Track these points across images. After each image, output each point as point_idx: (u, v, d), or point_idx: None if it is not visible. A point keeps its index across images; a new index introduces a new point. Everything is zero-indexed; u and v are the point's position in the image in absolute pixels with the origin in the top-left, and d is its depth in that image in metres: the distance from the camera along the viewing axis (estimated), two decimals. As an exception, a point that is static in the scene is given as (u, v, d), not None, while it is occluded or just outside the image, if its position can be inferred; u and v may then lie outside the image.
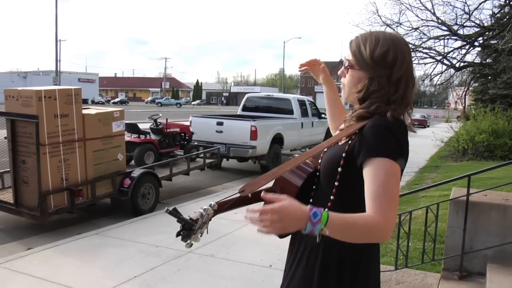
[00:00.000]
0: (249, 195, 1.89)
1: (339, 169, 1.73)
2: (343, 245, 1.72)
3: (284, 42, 75.71)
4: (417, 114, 49.86)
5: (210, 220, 1.82)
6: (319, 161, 1.90)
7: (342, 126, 1.93)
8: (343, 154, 1.73)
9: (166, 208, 1.77)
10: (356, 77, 1.78)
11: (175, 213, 1.74)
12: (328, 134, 16.96)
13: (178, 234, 1.75)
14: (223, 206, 1.87)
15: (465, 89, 22.50)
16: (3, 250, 5.83)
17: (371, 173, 1.60)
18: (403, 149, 1.66)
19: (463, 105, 26.72)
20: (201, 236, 1.81)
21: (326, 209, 1.52)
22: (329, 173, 1.78)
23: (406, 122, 1.75)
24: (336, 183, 1.75)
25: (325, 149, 1.88)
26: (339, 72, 1.90)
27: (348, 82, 1.82)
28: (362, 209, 1.62)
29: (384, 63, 1.73)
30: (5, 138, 6.49)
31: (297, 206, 1.49)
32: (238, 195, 1.84)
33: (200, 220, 1.76)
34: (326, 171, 1.81)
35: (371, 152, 1.62)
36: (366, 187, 1.61)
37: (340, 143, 1.82)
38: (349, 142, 1.74)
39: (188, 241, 1.78)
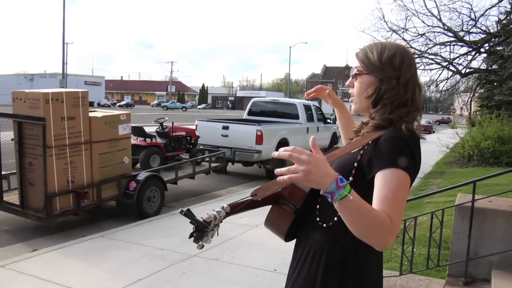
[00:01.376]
0: (259, 200, 1.89)
1: (350, 178, 1.74)
2: (346, 248, 1.76)
3: (290, 47, 75.56)
4: (422, 120, 49.86)
5: (221, 222, 1.84)
6: None
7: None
8: (355, 164, 1.75)
9: (180, 209, 1.79)
10: (366, 82, 1.81)
11: (189, 215, 1.76)
12: (333, 140, 16.96)
13: (191, 236, 1.77)
14: (235, 209, 1.87)
15: (471, 95, 22.45)
16: (8, 251, 5.86)
17: (384, 180, 1.62)
18: (416, 163, 1.69)
19: (469, 111, 26.65)
20: (212, 237, 1.83)
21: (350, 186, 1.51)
22: None
23: (415, 129, 1.77)
24: None
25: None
26: (347, 83, 1.92)
27: (358, 90, 1.84)
28: None
29: (392, 65, 1.77)
30: (12, 140, 6.52)
31: (328, 164, 1.50)
32: (250, 198, 1.86)
33: (212, 222, 1.78)
34: None
35: (387, 162, 1.63)
36: (376, 191, 1.61)
37: (352, 151, 1.83)
38: (361, 152, 1.76)
39: (200, 243, 1.79)
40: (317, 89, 2.39)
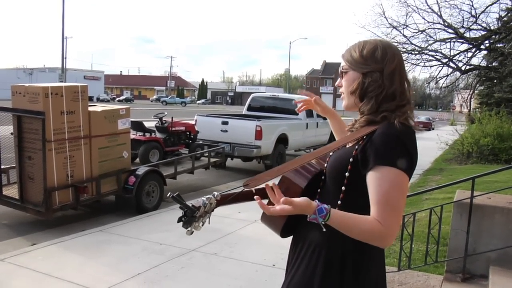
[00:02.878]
0: (253, 190, 1.91)
1: (347, 174, 1.76)
2: (346, 246, 1.75)
3: (290, 43, 75.51)
4: (422, 116, 49.83)
5: (213, 211, 1.85)
6: (325, 164, 1.93)
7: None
8: (350, 159, 1.76)
9: (170, 193, 1.81)
10: (351, 78, 1.85)
11: (178, 199, 1.77)
12: (332, 135, 17.03)
13: (179, 220, 1.79)
14: (226, 198, 1.89)
15: (471, 92, 22.46)
16: (8, 245, 5.87)
17: (376, 181, 1.64)
18: (412, 157, 1.69)
19: (468, 108, 26.65)
20: (202, 225, 1.83)
21: (329, 206, 1.63)
22: (335, 176, 1.81)
23: (409, 121, 1.78)
24: (343, 188, 1.78)
25: (330, 153, 1.91)
26: (336, 83, 1.99)
27: (344, 87, 1.88)
28: (367, 211, 1.66)
29: (374, 58, 1.79)
30: (12, 134, 6.52)
31: (307, 203, 1.64)
32: (242, 189, 1.87)
33: (202, 209, 1.79)
34: (332, 174, 1.84)
35: (379, 160, 1.65)
36: (370, 194, 1.65)
37: (347, 146, 1.85)
38: (356, 147, 1.77)
39: (189, 228, 1.80)
40: (305, 101, 2.40)
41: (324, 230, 1.70)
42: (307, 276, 1.82)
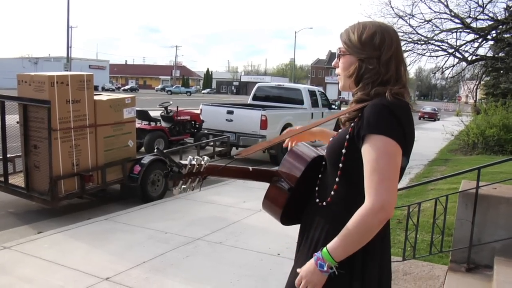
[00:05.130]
0: (250, 169, 1.99)
1: (343, 150, 1.77)
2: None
3: (296, 32, 75.08)
4: (427, 107, 49.67)
5: (205, 179, 1.87)
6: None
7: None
8: (347, 136, 1.77)
9: (156, 147, 1.87)
10: (348, 62, 1.85)
11: (163, 153, 1.88)
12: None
13: (165, 175, 1.84)
14: (217, 168, 1.92)
15: (477, 83, 22.36)
16: (14, 233, 5.90)
17: (366, 152, 1.65)
18: (404, 128, 1.68)
19: (474, 99, 26.52)
20: (192, 189, 1.88)
21: (323, 248, 1.70)
22: (334, 157, 1.82)
23: (403, 95, 1.78)
24: (340, 165, 1.78)
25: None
26: (333, 63, 1.98)
27: (341, 70, 1.90)
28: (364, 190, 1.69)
29: (372, 44, 1.79)
30: (17, 122, 6.54)
31: (310, 270, 1.73)
32: (232, 160, 1.93)
33: (188, 167, 1.81)
34: (331, 155, 1.85)
35: (367, 129, 1.66)
36: (364, 169, 1.66)
37: (343, 129, 1.87)
38: (352, 124, 1.78)
39: (176, 187, 1.83)
40: (291, 138, 2.30)
41: (324, 204, 1.82)
42: (314, 243, 1.86)
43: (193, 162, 1.83)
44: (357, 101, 1.80)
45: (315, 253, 1.72)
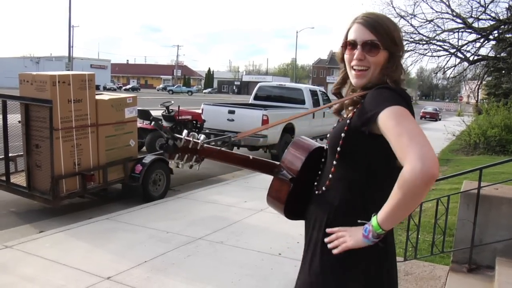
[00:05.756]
0: (251, 158, 1.99)
1: (342, 134, 1.77)
2: (343, 215, 1.78)
3: (297, 32, 75.27)
4: (429, 107, 49.61)
5: (203, 160, 1.89)
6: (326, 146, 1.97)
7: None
8: (347, 121, 1.78)
9: (152, 118, 1.87)
10: (382, 55, 1.79)
11: (159, 125, 1.84)
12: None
13: (161, 147, 1.85)
14: (214, 151, 1.93)
15: (478, 83, 22.30)
16: (16, 232, 5.90)
17: (384, 125, 1.59)
18: (408, 104, 1.67)
19: (476, 99, 26.50)
20: (190, 167, 1.89)
21: (374, 215, 1.63)
22: (334, 143, 1.81)
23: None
24: (338, 149, 1.78)
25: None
26: (357, 56, 1.80)
27: (373, 63, 1.78)
28: (362, 174, 1.74)
29: (400, 40, 1.83)
30: (19, 122, 6.54)
31: (353, 229, 1.71)
32: (230, 142, 1.96)
33: (183, 140, 1.83)
34: (331, 142, 1.84)
35: (377, 107, 1.62)
36: (390, 143, 1.58)
37: (345, 117, 1.88)
38: (354, 110, 1.80)
39: (172, 161, 1.84)
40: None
41: (319, 192, 1.84)
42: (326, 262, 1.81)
43: (189, 138, 1.84)
44: (363, 89, 1.81)
45: (365, 223, 1.66)
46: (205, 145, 1.90)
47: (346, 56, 1.86)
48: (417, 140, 1.51)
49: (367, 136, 1.68)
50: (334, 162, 1.80)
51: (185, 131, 1.85)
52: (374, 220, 1.62)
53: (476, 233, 4.50)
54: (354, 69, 1.82)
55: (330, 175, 1.81)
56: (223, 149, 1.98)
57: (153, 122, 1.80)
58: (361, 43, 1.78)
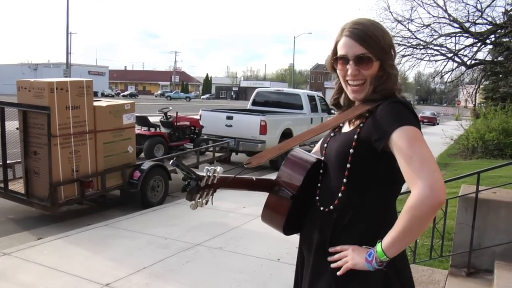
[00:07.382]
0: (254, 179, 1.91)
1: (351, 150, 1.72)
2: (350, 236, 1.74)
3: (295, 37, 75.17)
4: (426, 111, 49.71)
5: (215, 191, 1.80)
6: (322, 157, 1.91)
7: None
8: (355, 136, 1.73)
9: (172, 160, 1.76)
10: (375, 67, 1.76)
11: (181, 165, 1.72)
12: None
13: (184, 189, 1.74)
14: (227, 180, 1.84)
15: (476, 87, 22.39)
16: (14, 239, 5.89)
17: (396, 145, 1.58)
18: (418, 121, 1.67)
19: (474, 103, 26.56)
20: (206, 203, 1.80)
21: (379, 241, 1.62)
22: (340, 159, 1.76)
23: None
24: (348, 165, 1.73)
25: (325, 145, 1.92)
26: (351, 72, 1.77)
27: (368, 76, 1.76)
28: (372, 192, 1.69)
29: (391, 46, 1.79)
30: (17, 129, 6.54)
31: (358, 251, 1.68)
32: (242, 169, 1.84)
33: (205, 179, 1.74)
34: (336, 157, 1.79)
35: (391, 125, 1.60)
36: (398, 162, 1.58)
37: (348, 130, 1.83)
38: (361, 125, 1.74)
39: (193, 202, 1.76)
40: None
41: (326, 210, 1.78)
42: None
43: (210, 174, 1.75)
44: (365, 101, 1.77)
45: (370, 248, 1.65)
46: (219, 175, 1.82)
47: (339, 71, 1.83)
48: (428, 166, 1.52)
49: (379, 153, 1.65)
50: (344, 180, 1.74)
51: (206, 167, 1.75)
52: (378, 246, 1.60)
53: (474, 237, 4.50)
54: (350, 84, 1.80)
55: (340, 194, 1.75)
56: (237, 176, 1.87)
57: (171, 162, 1.71)
58: (352, 58, 1.75)
